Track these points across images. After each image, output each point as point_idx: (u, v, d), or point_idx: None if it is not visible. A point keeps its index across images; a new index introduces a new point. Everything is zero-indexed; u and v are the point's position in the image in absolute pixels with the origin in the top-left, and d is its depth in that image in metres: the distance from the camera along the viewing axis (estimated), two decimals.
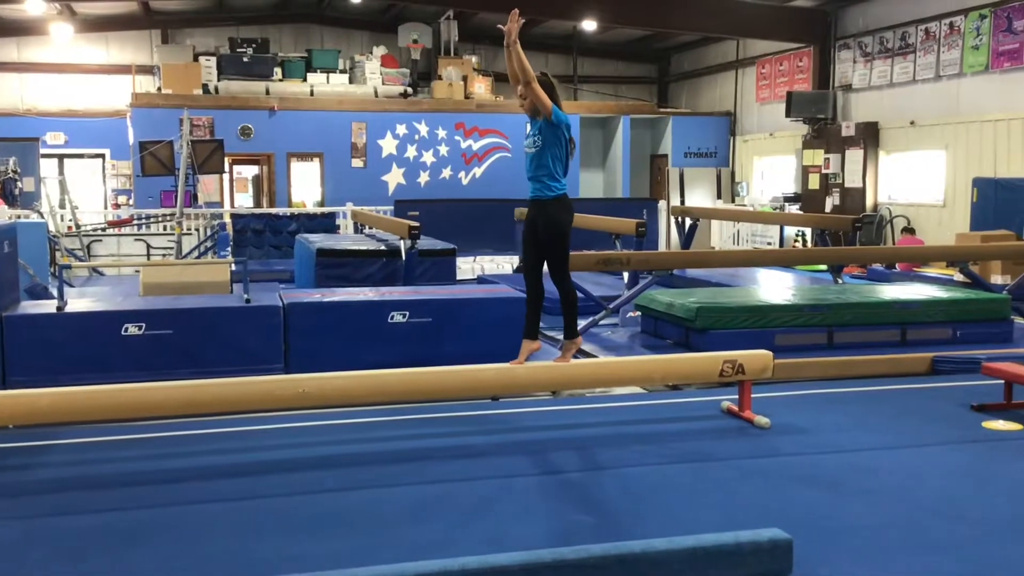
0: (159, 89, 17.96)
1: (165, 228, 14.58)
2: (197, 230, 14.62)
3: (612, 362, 6.38)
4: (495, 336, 6.98)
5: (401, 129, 18.40)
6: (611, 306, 8.18)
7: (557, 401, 6.39)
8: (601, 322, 8.16)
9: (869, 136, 15.79)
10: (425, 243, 9.15)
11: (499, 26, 5.81)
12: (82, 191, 17.56)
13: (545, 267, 5.83)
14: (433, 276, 8.98)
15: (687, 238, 13.09)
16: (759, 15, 16.80)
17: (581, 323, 8.06)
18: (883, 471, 4.84)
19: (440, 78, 19.06)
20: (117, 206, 17.89)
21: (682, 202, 19.09)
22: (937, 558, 3.72)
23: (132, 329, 6.42)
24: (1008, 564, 3.67)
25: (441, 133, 18.60)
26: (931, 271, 12.32)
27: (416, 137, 18.49)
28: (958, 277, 10.01)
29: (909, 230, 14.52)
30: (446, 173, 18.70)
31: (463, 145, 18.78)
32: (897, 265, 12.56)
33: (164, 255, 13.65)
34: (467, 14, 19.47)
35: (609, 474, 4.79)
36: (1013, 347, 7.69)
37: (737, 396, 5.86)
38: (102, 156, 18.86)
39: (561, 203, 5.66)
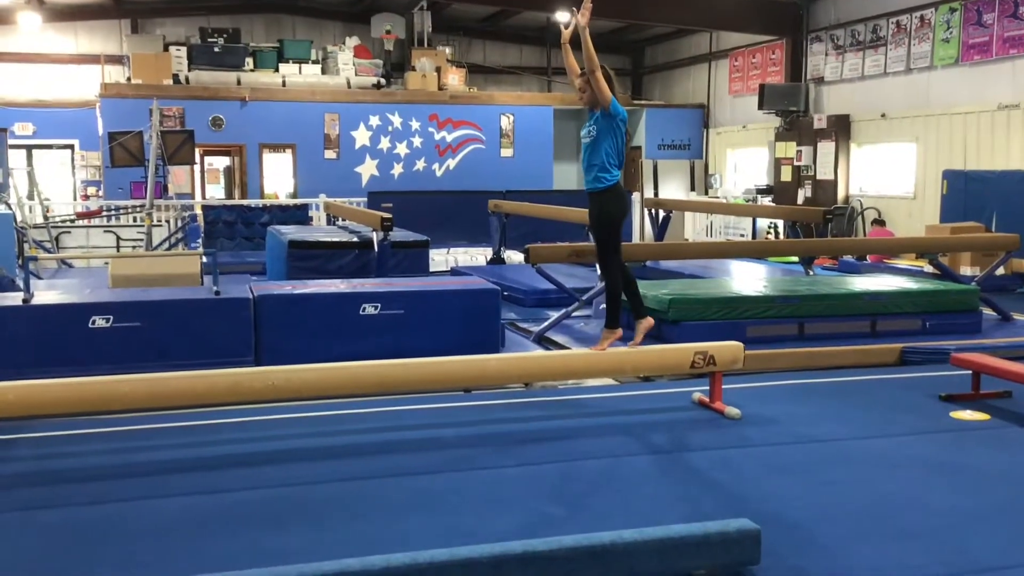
0: (129, 79, 17.77)
1: (135, 220, 14.43)
2: (167, 222, 14.48)
3: (584, 354, 6.37)
4: (468, 328, 6.97)
5: (374, 120, 18.31)
6: (584, 298, 8.18)
7: (529, 393, 6.38)
8: (574, 314, 8.16)
9: (841, 129, 15.89)
10: (398, 235, 9.10)
11: (555, 20, 6.00)
12: (51, 182, 17.35)
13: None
14: (406, 268, 8.93)
15: (660, 230, 13.12)
16: (732, 7, 16.85)
17: (552, 315, 8.11)
18: (852, 461, 4.87)
19: (413, 69, 18.98)
20: (86, 197, 17.68)
21: (655, 194, 19.13)
22: (906, 548, 3.74)
23: (100, 322, 6.35)
24: (975, 553, 3.70)
25: (415, 124, 18.53)
26: (901, 263, 12.42)
27: (389, 128, 18.41)
28: (928, 269, 10.08)
29: (879, 222, 14.62)
30: (420, 165, 18.64)
31: (437, 137, 18.72)
32: (868, 257, 12.65)
33: (134, 247, 13.52)
34: (441, 5, 19.39)
35: (580, 466, 4.79)
36: (982, 338, 7.76)
37: (708, 387, 5.88)
38: (71, 147, 18.64)
39: (614, 192, 5.80)
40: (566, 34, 5.87)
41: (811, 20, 16.89)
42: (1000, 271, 9.97)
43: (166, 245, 13.16)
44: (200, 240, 13.39)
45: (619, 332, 6.08)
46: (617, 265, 5.97)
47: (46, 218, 13.72)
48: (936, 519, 4.05)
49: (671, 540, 3.30)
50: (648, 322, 6.21)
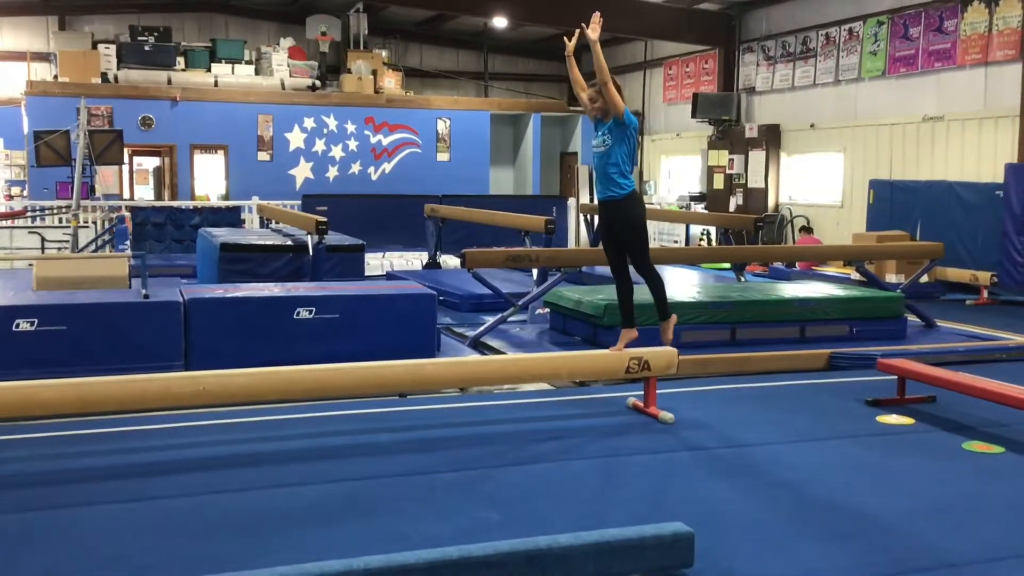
0: (56, 77, 17.34)
1: (61, 221, 14.04)
2: (94, 223, 14.13)
3: (520, 359, 6.39)
4: (403, 332, 6.94)
5: (309, 123, 18.13)
6: (520, 303, 8.20)
7: (465, 398, 6.38)
8: (510, 319, 8.18)
9: (771, 138, 16.18)
10: (333, 238, 9.02)
11: (565, 39, 6.05)
12: None
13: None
14: (341, 272, 8.85)
15: (596, 236, 13.19)
16: (667, 17, 17.06)
17: (488, 319, 8.12)
18: (782, 464, 4.95)
19: (349, 71, 18.84)
20: (10, 197, 17.19)
21: (591, 200, 19.23)
22: (834, 549, 3.81)
23: (24, 325, 6.18)
24: (901, 554, 3.79)
25: (350, 127, 18.40)
26: (829, 270, 12.68)
27: (324, 131, 18.24)
28: (855, 276, 10.31)
29: (807, 229, 14.91)
30: (355, 168, 18.50)
31: (372, 140, 18.60)
32: (797, 264, 12.89)
33: (59, 249, 13.17)
34: (377, 7, 19.28)
35: (516, 471, 4.80)
36: (906, 344, 7.96)
37: (643, 392, 5.93)
38: None
39: (633, 199, 5.93)
40: (570, 46, 5.98)
41: (743, 31, 17.17)
42: (924, 279, 10.24)
43: (93, 247, 12.84)
44: (128, 242, 13.07)
45: (675, 317, 6.18)
46: (651, 264, 6.08)
47: None
48: (863, 521, 4.13)
49: (607, 544, 3.32)
50: (673, 318, 6.28)
